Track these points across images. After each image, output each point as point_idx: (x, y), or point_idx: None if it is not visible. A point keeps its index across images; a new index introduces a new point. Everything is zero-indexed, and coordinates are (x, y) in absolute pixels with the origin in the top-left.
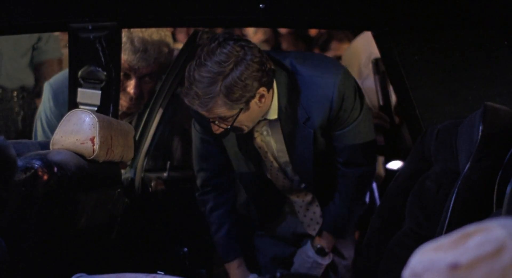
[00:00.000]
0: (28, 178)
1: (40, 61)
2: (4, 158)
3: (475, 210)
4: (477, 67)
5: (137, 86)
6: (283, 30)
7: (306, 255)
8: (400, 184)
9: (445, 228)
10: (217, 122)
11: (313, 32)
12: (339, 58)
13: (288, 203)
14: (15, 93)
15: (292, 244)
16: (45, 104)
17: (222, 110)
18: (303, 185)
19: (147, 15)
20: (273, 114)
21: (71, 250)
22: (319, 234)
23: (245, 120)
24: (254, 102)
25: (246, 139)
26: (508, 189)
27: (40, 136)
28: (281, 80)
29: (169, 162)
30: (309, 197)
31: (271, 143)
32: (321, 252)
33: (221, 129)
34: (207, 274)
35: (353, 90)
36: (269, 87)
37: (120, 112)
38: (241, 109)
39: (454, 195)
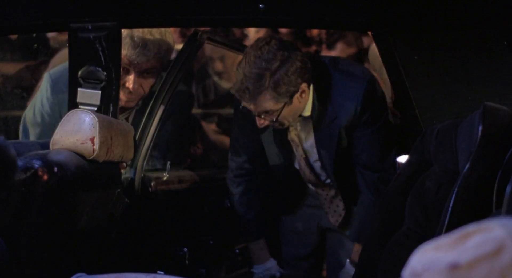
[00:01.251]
0: (28, 178)
1: None
2: (4, 158)
3: (474, 210)
4: (477, 67)
5: (136, 81)
6: (282, 30)
7: (350, 275)
8: (400, 184)
9: (444, 228)
10: (263, 116)
11: (314, 32)
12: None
13: (314, 195)
14: None
15: (315, 238)
16: (42, 92)
17: (269, 104)
18: (328, 181)
19: (147, 15)
20: (307, 112)
21: (71, 250)
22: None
23: (287, 115)
24: (296, 97)
25: (281, 132)
26: (508, 189)
27: (29, 123)
28: (316, 80)
29: (169, 162)
30: (332, 192)
31: (302, 137)
32: None
33: (266, 123)
34: (207, 274)
35: (378, 98)
36: (309, 84)
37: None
38: (286, 103)
39: (454, 195)
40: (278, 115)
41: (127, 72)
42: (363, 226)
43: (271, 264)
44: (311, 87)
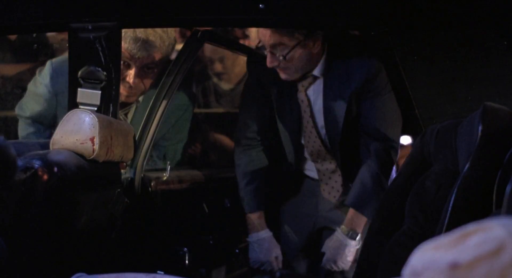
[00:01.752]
0: (28, 178)
1: None
2: (4, 158)
3: (474, 210)
4: (477, 67)
5: (137, 76)
6: None
7: (340, 243)
8: (400, 184)
9: (444, 227)
10: (274, 51)
11: None
12: None
13: (311, 190)
14: None
15: (310, 237)
16: (42, 77)
17: (284, 35)
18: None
19: (147, 15)
20: (319, 72)
21: (71, 250)
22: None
23: (298, 57)
24: (310, 42)
25: (291, 90)
26: (508, 188)
27: (29, 96)
28: (332, 41)
29: (169, 162)
30: (333, 165)
31: (311, 99)
32: (353, 235)
33: (275, 63)
34: (207, 274)
35: (385, 73)
36: (325, 37)
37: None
38: (300, 41)
39: (454, 194)
40: (289, 51)
41: (128, 67)
42: (361, 194)
43: (266, 234)
44: (326, 48)
